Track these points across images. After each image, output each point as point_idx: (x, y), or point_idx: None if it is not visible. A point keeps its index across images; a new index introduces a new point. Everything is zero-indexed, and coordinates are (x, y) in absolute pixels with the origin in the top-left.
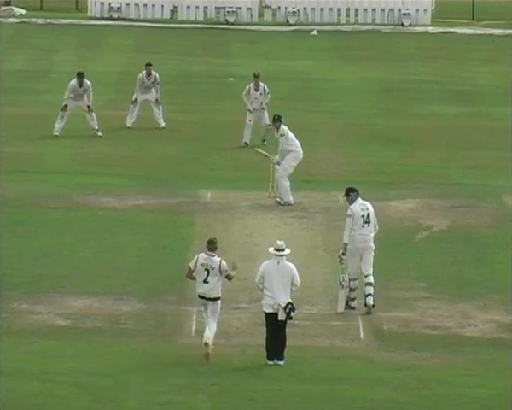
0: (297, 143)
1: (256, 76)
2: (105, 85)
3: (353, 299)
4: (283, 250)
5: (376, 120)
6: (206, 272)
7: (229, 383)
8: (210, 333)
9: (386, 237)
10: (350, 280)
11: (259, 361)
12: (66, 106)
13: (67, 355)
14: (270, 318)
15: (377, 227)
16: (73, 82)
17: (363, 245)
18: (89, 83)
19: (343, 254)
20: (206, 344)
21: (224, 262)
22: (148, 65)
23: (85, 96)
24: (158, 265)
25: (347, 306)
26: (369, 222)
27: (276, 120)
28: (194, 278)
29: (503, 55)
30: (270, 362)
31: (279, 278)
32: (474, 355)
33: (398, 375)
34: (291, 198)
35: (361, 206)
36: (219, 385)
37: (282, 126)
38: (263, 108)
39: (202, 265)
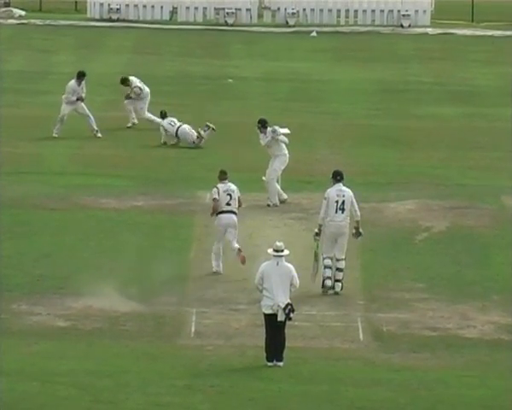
0: (285, 147)
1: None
2: (104, 86)
3: (329, 278)
4: (282, 251)
5: (376, 121)
6: (228, 196)
7: (228, 384)
8: (235, 242)
9: (386, 237)
10: (324, 258)
11: (259, 362)
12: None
13: (67, 356)
14: (270, 319)
15: (358, 213)
16: (72, 83)
17: (336, 231)
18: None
19: (317, 234)
20: (239, 250)
21: (237, 188)
22: (125, 80)
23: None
24: (157, 266)
25: (323, 287)
26: (343, 209)
27: (263, 124)
28: (216, 211)
29: (503, 56)
30: (270, 363)
31: (278, 279)
32: (473, 356)
33: (398, 376)
34: (277, 200)
35: (337, 191)
36: (218, 386)
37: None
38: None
39: (225, 191)
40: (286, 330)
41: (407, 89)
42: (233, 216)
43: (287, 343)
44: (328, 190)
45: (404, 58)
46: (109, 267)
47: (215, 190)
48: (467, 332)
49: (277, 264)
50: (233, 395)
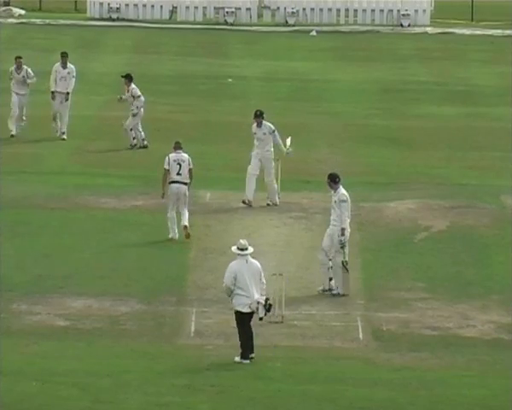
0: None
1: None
2: (104, 86)
3: (331, 279)
4: (247, 249)
5: (376, 121)
6: (178, 166)
7: (228, 383)
8: (185, 219)
9: (386, 237)
10: (329, 259)
11: (258, 362)
12: (52, 92)
13: (67, 356)
14: (248, 317)
15: None
16: (57, 65)
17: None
18: (73, 66)
19: (345, 239)
20: (185, 227)
21: (190, 158)
22: (18, 57)
23: (68, 80)
24: (157, 265)
25: (328, 290)
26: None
27: (259, 115)
28: (165, 181)
29: (502, 56)
30: (247, 361)
31: (251, 277)
32: (473, 356)
33: (398, 375)
34: (277, 199)
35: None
36: (218, 386)
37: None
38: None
39: (175, 161)
40: (286, 330)
41: (407, 88)
42: (182, 186)
43: (287, 343)
44: (345, 192)
45: (404, 58)
46: (109, 267)
47: (166, 159)
48: (467, 332)
49: (246, 262)
50: (233, 395)
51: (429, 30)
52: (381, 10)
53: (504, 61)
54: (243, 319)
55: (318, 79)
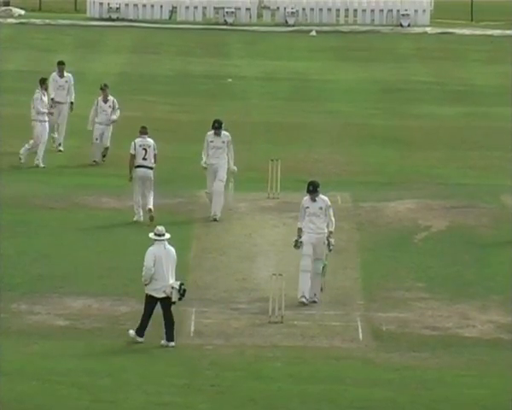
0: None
1: (102, 88)
2: None
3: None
4: (164, 235)
5: (375, 121)
6: (144, 151)
7: (228, 383)
8: (150, 201)
9: (386, 237)
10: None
11: (258, 362)
12: (52, 99)
13: (66, 355)
14: (163, 302)
15: None
16: (54, 74)
17: None
18: (70, 75)
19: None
20: (149, 210)
21: (155, 143)
22: (46, 79)
23: (67, 89)
24: None
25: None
26: None
27: (218, 127)
28: (132, 165)
29: (502, 56)
30: (141, 339)
31: (168, 262)
32: (473, 356)
33: (397, 375)
34: (219, 214)
35: None
36: (218, 386)
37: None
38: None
39: (140, 146)
40: (286, 330)
41: (406, 88)
42: (148, 171)
43: (286, 343)
44: (327, 198)
45: (404, 57)
46: (109, 267)
47: (132, 144)
48: (466, 332)
49: (164, 247)
50: (233, 395)
51: (429, 30)
52: (381, 10)
53: (504, 61)
54: (153, 304)
55: (318, 79)
